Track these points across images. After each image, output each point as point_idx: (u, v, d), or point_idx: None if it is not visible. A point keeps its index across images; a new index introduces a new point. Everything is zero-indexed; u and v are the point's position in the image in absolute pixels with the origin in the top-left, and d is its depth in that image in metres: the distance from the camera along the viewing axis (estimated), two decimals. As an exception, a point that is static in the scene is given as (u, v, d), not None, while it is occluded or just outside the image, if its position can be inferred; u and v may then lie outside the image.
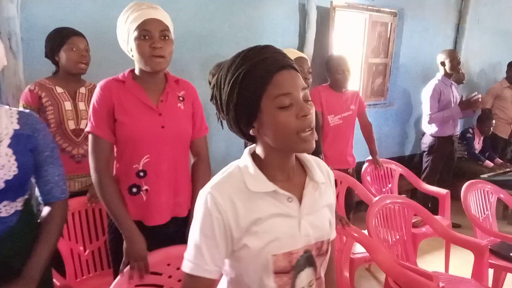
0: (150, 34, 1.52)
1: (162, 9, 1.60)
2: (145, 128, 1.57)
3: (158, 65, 1.55)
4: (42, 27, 2.40)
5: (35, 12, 2.54)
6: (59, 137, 2.14)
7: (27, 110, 1.42)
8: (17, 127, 1.34)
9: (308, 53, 3.68)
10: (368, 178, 3.41)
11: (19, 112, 1.37)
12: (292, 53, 2.02)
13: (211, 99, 1.04)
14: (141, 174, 1.60)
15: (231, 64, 0.97)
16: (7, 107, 1.37)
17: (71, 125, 2.14)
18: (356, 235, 2.14)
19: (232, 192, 0.98)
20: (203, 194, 0.99)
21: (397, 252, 2.53)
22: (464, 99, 3.96)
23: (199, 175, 1.73)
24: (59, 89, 2.18)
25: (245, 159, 1.04)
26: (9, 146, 1.29)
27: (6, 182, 1.27)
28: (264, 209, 0.99)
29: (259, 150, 1.04)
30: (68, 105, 2.16)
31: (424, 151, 4.11)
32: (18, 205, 1.35)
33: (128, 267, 1.54)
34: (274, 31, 3.54)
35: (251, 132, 1.00)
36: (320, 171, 1.11)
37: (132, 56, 1.59)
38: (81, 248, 2.20)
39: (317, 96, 3.08)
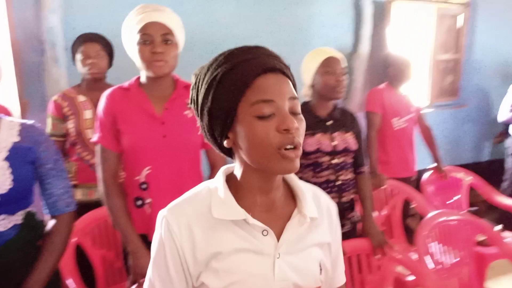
0: (151, 38, 1.43)
1: (170, 11, 1.50)
2: (145, 138, 1.49)
3: (160, 69, 1.46)
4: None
5: (78, 21, 2.59)
6: (79, 145, 2.14)
7: (30, 122, 1.38)
8: (17, 139, 1.30)
9: (364, 51, 3.41)
10: (431, 188, 3.05)
11: (21, 124, 1.34)
12: (323, 53, 1.82)
13: (190, 102, 0.89)
14: (144, 186, 1.53)
15: (212, 63, 0.83)
16: (10, 118, 1.35)
17: (90, 134, 2.13)
18: (398, 256, 1.87)
19: (192, 218, 0.83)
20: (159, 217, 0.85)
21: (460, 275, 2.20)
22: None
23: None
24: (81, 98, 2.18)
25: (217, 179, 0.88)
26: (6, 159, 1.26)
27: (1, 196, 1.23)
28: (228, 242, 0.82)
29: (236, 170, 0.88)
30: (88, 114, 2.15)
31: (509, 155, 3.59)
32: (18, 218, 1.31)
33: (135, 285, 1.46)
34: (325, 29, 3.33)
35: (225, 143, 0.84)
36: (316, 203, 0.93)
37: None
38: (113, 256, 2.17)
39: (378, 96, 2.83)
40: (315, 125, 1.82)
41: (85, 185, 2.15)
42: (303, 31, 3.25)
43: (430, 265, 1.92)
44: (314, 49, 1.88)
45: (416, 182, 3.00)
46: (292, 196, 0.92)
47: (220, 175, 0.88)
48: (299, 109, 0.82)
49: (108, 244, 2.16)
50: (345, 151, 1.84)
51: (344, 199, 1.85)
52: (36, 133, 1.35)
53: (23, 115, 2.36)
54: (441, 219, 2.15)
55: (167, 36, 1.45)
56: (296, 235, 0.86)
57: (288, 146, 0.78)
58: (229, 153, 0.88)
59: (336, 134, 1.84)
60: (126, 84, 1.55)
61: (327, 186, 1.81)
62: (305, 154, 1.80)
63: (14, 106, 2.38)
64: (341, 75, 1.80)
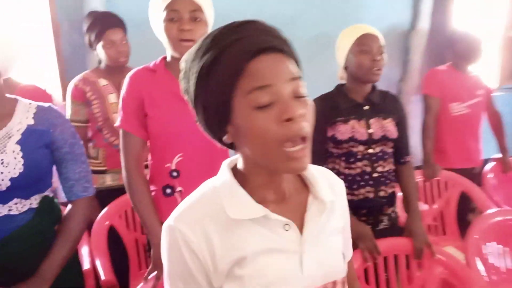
0: (179, 15, 1.34)
1: None
2: (176, 123, 1.41)
3: (187, 49, 1.36)
4: (128, 19, 2.40)
5: (120, 3, 2.57)
6: (107, 130, 2.12)
7: (47, 105, 1.36)
8: (31, 122, 1.29)
9: (423, 28, 3.11)
10: (493, 181, 2.74)
11: (37, 107, 1.33)
12: (357, 30, 1.64)
13: (183, 92, 0.80)
14: (174, 174, 1.45)
15: (199, 47, 0.73)
16: (27, 101, 1.34)
17: (117, 118, 2.10)
18: (443, 258, 1.66)
19: (206, 223, 0.74)
20: (165, 231, 0.76)
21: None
22: None
23: None
24: (103, 82, 2.16)
25: (224, 175, 0.79)
26: (18, 142, 1.25)
27: (12, 180, 1.23)
28: (251, 244, 0.73)
29: (240, 163, 0.79)
30: (112, 98, 2.12)
31: None
32: (32, 202, 1.31)
33: (154, 274, 1.42)
34: (379, 4, 3.06)
35: (224, 138, 0.75)
36: (329, 184, 0.84)
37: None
38: (145, 239, 2.17)
39: (437, 79, 2.58)
40: (349, 110, 1.65)
41: (114, 170, 2.14)
42: (354, 6, 3.02)
43: (481, 268, 1.70)
44: (350, 26, 1.70)
45: (480, 174, 2.71)
46: (301, 181, 0.83)
47: (226, 171, 0.79)
48: (302, 90, 0.70)
49: (141, 228, 2.16)
50: (384, 139, 1.65)
51: (382, 193, 1.67)
52: (52, 116, 1.33)
53: (64, 98, 2.39)
54: (498, 218, 1.90)
55: (195, 13, 1.36)
56: (318, 225, 0.79)
57: (294, 139, 0.68)
58: (232, 145, 0.78)
59: (373, 120, 1.65)
60: (151, 64, 1.47)
61: (361, 179, 1.65)
62: (337, 143, 1.64)
63: (56, 88, 2.43)
64: (378, 54, 1.60)
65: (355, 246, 1.53)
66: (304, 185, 0.83)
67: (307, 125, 0.69)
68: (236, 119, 0.70)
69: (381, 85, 1.99)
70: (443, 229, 2.54)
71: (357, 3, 3.02)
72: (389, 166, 1.70)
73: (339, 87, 1.73)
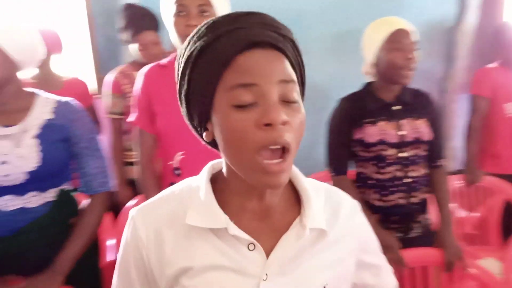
0: (187, 10, 1.31)
1: None
2: (179, 121, 1.37)
3: None
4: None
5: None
6: None
7: (67, 99, 1.36)
8: (50, 116, 1.30)
9: (470, 22, 2.91)
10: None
11: (57, 101, 1.33)
12: (389, 24, 1.52)
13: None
14: (177, 172, 1.44)
15: (194, 34, 0.67)
16: (46, 95, 1.34)
17: None
18: (475, 272, 1.53)
19: (164, 223, 0.69)
20: (129, 216, 0.73)
21: None
22: None
23: None
24: None
25: (201, 176, 0.73)
26: (36, 136, 1.26)
27: (29, 173, 1.24)
28: (202, 255, 0.67)
29: (223, 165, 0.73)
30: None
31: None
32: (50, 196, 1.32)
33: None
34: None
35: (204, 136, 0.69)
36: (332, 210, 0.75)
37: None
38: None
39: (487, 78, 2.41)
40: (377, 111, 1.54)
41: None
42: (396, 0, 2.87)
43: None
44: (379, 19, 1.58)
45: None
46: (298, 200, 0.74)
47: (205, 172, 0.73)
48: (292, 95, 0.63)
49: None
50: (416, 142, 1.53)
51: (414, 200, 1.55)
52: (71, 111, 1.33)
53: (99, 90, 2.43)
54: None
55: (203, 7, 1.32)
56: (293, 251, 0.69)
57: (272, 147, 0.60)
58: (216, 145, 0.72)
59: (404, 121, 1.53)
60: (165, 60, 1.46)
61: (392, 184, 1.53)
62: (366, 146, 1.54)
63: (91, 81, 2.46)
64: (411, 51, 1.48)
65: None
66: (300, 204, 0.73)
67: (290, 136, 0.61)
68: (216, 116, 0.64)
69: (422, 83, 1.87)
70: (485, 238, 2.37)
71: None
72: (422, 171, 1.58)
73: (367, 86, 1.62)
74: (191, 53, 0.65)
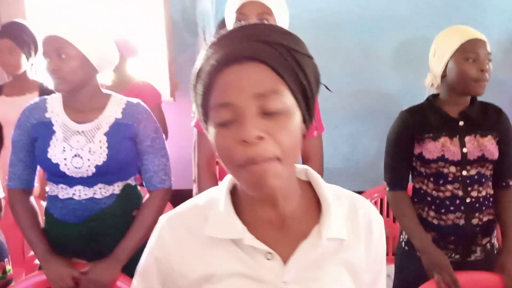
0: (246, 18, 1.36)
1: None
2: None
3: None
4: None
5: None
6: None
7: (136, 101, 1.48)
8: (119, 116, 1.42)
9: None
10: None
11: (127, 102, 1.45)
12: (462, 33, 1.43)
13: None
14: None
15: (205, 48, 0.70)
16: (119, 96, 1.47)
17: None
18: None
19: (188, 231, 0.73)
20: (158, 223, 0.78)
21: None
22: None
23: None
24: None
25: (221, 187, 0.76)
26: (106, 134, 1.38)
27: (97, 167, 1.36)
28: (223, 263, 0.70)
29: None
30: None
31: None
32: (115, 188, 1.44)
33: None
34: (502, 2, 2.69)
35: None
36: (353, 219, 0.75)
37: None
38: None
39: None
40: (440, 125, 1.46)
41: None
42: (474, 5, 2.70)
43: None
44: (449, 27, 1.50)
45: None
46: (319, 208, 0.74)
47: (225, 183, 0.76)
48: (274, 105, 0.62)
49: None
50: (481, 160, 1.44)
51: (475, 221, 1.46)
52: (138, 112, 1.44)
53: (172, 94, 2.58)
54: None
55: (263, 16, 1.36)
56: (310, 259, 0.70)
57: (249, 162, 0.61)
58: None
59: (468, 138, 1.45)
60: None
61: (451, 203, 1.46)
62: (426, 162, 1.48)
63: (165, 85, 2.63)
64: (485, 63, 1.39)
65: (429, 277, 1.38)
66: (320, 212, 0.73)
67: (271, 148, 0.61)
68: (210, 132, 0.67)
69: (503, 96, 1.73)
70: None
71: (476, 3, 2.70)
72: (487, 191, 1.48)
73: (431, 99, 1.54)
74: (196, 69, 0.68)
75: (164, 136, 1.52)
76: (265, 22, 1.36)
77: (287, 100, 0.64)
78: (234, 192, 0.75)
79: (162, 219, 0.77)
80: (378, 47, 2.78)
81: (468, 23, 2.61)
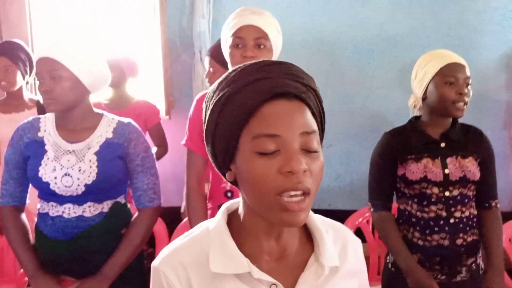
0: (244, 42, 1.40)
1: (269, 15, 1.45)
2: None
3: None
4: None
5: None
6: None
7: (127, 120, 1.51)
8: (110, 135, 1.45)
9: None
10: None
11: (118, 122, 1.48)
12: (442, 57, 1.47)
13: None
14: (229, 194, 1.51)
15: (223, 80, 0.73)
16: (111, 116, 1.51)
17: None
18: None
19: (190, 268, 0.73)
20: (152, 271, 0.76)
21: None
22: None
23: None
24: None
25: (217, 219, 0.76)
26: (96, 153, 1.42)
27: (86, 186, 1.39)
28: None
29: (241, 206, 0.76)
30: None
31: None
32: (104, 207, 1.46)
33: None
34: (503, 25, 2.73)
35: (227, 176, 0.74)
36: (341, 245, 0.79)
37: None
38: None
39: None
40: (422, 147, 1.50)
41: None
42: (473, 28, 2.74)
43: None
44: (431, 51, 1.54)
45: None
46: (309, 237, 0.78)
47: (221, 214, 0.77)
48: (314, 144, 0.67)
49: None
50: (463, 181, 1.46)
51: (460, 241, 1.48)
52: (128, 131, 1.47)
53: (168, 112, 2.62)
54: None
55: (260, 40, 1.40)
56: (312, 287, 0.73)
57: (293, 193, 0.64)
58: (236, 183, 0.76)
59: (450, 159, 1.48)
60: None
61: (435, 224, 1.48)
62: (408, 183, 1.51)
63: (160, 103, 2.67)
64: (465, 86, 1.43)
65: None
66: (311, 242, 0.77)
67: (310, 182, 0.65)
68: (239, 159, 0.69)
69: (495, 116, 1.70)
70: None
71: (475, 26, 2.74)
72: (470, 211, 1.50)
73: (413, 121, 1.58)
74: (220, 97, 0.69)
75: (154, 156, 1.55)
76: (262, 46, 1.40)
77: (318, 140, 0.69)
78: (229, 223, 0.76)
79: (157, 264, 0.75)
80: (372, 68, 2.82)
81: (460, 44, 2.70)
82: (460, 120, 1.56)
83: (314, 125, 0.69)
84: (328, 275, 0.74)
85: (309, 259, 0.74)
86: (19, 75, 2.21)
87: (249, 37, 1.39)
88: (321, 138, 0.74)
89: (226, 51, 1.47)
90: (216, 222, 0.75)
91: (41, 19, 2.82)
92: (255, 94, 0.66)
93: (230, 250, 0.71)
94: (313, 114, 0.70)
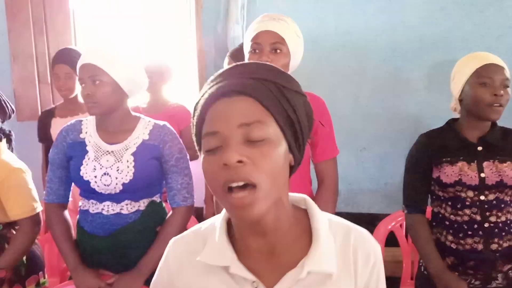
0: (261, 47, 1.44)
1: (289, 20, 1.47)
2: None
3: None
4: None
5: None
6: None
7: (163, 123, 1.57)
8: (146, 137, 1.52)
9: None
10: None
11: (154, 124, 1.55)
12: (478, 58, 1.44)
13: None
14: None
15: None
16: (148, 119, 1.58)
17: None
18: None
19: (187, 256, 0.80)
20: (168, 244, 0.86)
21: None
22: None
23: (319, 206, 1.50)
24: None
25: (221, 215, 0.81)
26: (133, 154, 1.49)
27: (123, 184, 1.47)
28: None
29: None
30: None
31: None
32: (141, 205, 1.53)
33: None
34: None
35: None
36: (346, 252, 0.75)
37: None
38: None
39: None
40: (458, 150, 1.47)
41: None
42: (503, 27, 2.66)
43: None
44: (469, 54, 1.52)
45: None
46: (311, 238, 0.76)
47: (224, 211, 0.80)
48: (256, 134, 0.67)
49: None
50: (500, 185, 1.43)
51: (494, 247, 1.44)
52: (164, 133, 1.53)
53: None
54: None
55: (276, 45, 1.44)
56: None
57: (234, 184, 0.66)
58: None
59: (487, 163, 1.44)
60: None
61: (468, 228, 1.45)
62: (442, 186, 1.48)
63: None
64: (501, 88, 1.39)
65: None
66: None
67: (249, 172, 0.65)
68: None
69: None
70: None
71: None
72: (506, 216, 1.46)
73: (451, 123, 1.56)
74: (196, 102, 0.76)
75: (188, 156, 1.61)
76: (278, 51, 1.43)
77: (271, 130, 0.69)
78: (230, 221, 0.79)
79: (171, 241, 0.85)
80: (406, 70, 2.77)
81: (499, 47, 2.61)
82: (502, 124, 1.52)
83: (257, 114, 0.68)
84: (318, 282, 0.72)
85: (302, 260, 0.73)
86: (77, 81, 2.33)
87: (266, 43, 1.43)
88: (295, 131, 0.72)
89: (246, 57, 1.52)
90: (219, 217, 0.80)
91: (84, 28, 2.97)
92: (206, 98, 0.72)
93: (221, 244, 0.75)
94: (263, 104, 0.69)
